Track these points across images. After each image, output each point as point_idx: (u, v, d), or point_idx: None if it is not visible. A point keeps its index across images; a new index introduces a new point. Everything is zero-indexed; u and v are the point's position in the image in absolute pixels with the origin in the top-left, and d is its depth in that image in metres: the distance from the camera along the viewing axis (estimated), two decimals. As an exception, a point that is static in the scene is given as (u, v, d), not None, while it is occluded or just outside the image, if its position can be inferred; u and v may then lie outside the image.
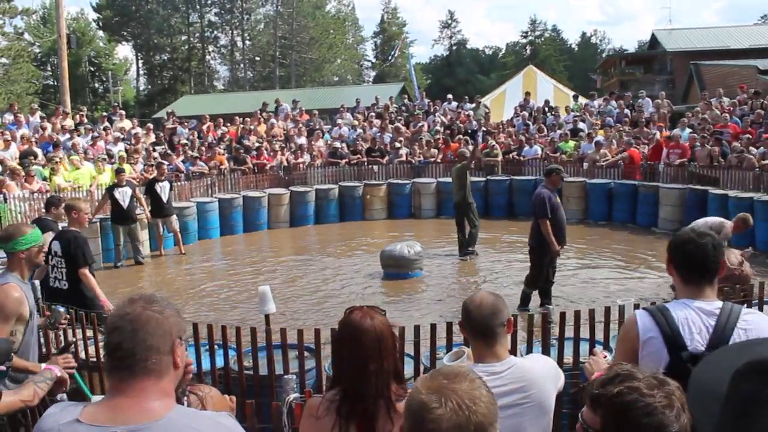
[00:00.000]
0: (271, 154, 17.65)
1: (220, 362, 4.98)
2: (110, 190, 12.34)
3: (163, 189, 13.01)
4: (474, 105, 21.74)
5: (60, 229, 7.17)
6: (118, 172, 12.75)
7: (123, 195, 12.27)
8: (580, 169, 16.50)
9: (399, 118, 20.94)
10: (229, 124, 20.25)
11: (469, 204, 12.01)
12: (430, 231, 14.89)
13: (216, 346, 4.98)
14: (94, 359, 4.98)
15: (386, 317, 2.46)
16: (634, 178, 15.55)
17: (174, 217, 13.28)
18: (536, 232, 8.35)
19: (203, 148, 17.57)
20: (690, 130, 16.60)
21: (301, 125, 20.49)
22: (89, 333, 5.21)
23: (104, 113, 22.54)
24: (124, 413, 1.59)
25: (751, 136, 15.17)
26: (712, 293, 2.52)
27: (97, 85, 60.58)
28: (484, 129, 19.41)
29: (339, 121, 20.92)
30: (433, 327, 4.68)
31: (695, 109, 19.27)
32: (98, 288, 6.41)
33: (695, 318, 2.42)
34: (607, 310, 4.75)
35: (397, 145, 18.20)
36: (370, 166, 17.54)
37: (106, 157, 15.49)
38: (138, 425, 1.57)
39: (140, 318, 1.65)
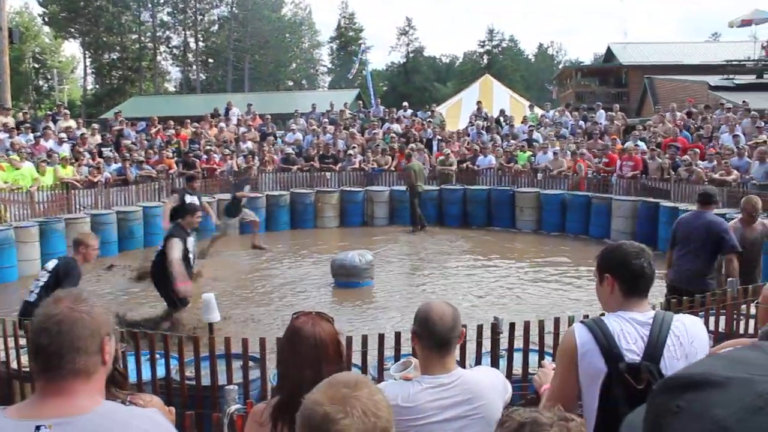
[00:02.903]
0: (222, 158, 17.48)
1: (161, 372, 4.89)
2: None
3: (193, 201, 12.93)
4: (429, 113, 21.95)
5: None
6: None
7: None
8: (534, 180, 16.79)
9: (354, 124, 20.99)
10: (179, 127, 20.02)
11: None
12: (382, 239, 14.88)
13: (158, 356, 4.88)
14: (27, 369, 4.83)
15: (333, 324, 2.44)
16: (580, 189, 15.90)
17: None
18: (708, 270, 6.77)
19: (151, 151, 17.29)
20: (641, 143, 17.01)
21: (253, 130, 20.38)
22: (22, 342, 5.06)
23: (48, 112, 22.00)
24: (50, 408, 1.58)
25: (699, 150, 15.63)
26: (647, 304, 2.59)
27: (41, 82, 59.16)
28: (439, 137, 19.58)
29: (293, 126, 20.85)
30: (381, 337, 4.68)
31: (648, 122, 19.76)
32: None
33: (630, 329, 2.47)
34: (557, 321, 4.81)
35: (351, 152, 18.21)
36: (322, 173, 17.49)
37: (47, 157, 15.07)
38: (65, 418, 1.56)
39: (67, 319, 1.62)
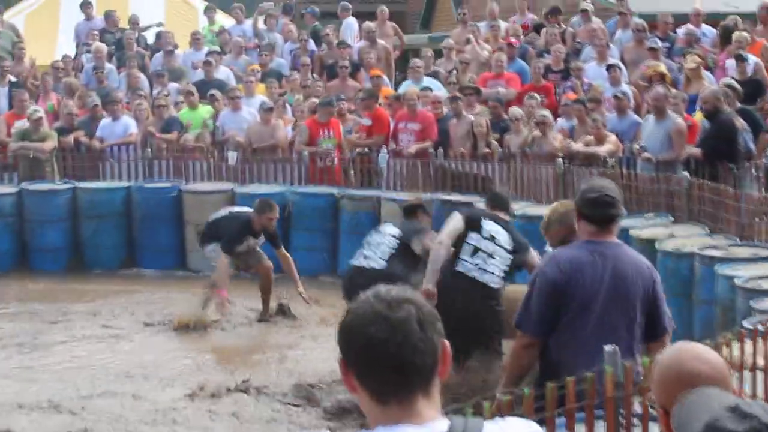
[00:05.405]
0: None
1: None
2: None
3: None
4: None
5: None
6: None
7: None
8: (223, 165, 17.30)
9: None
10: None
11: None
12: None
13: None
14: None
15: None
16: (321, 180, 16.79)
17: None
18: None
19: None
20: (434, 83, 18.07)
21: None
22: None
23: None
24: None
25: (545, 95, 16.47)
26: (429, 407, 2.39)
27: None
28: (14, 79, 19.51)
29: None
30: None
31: (446, 42, 20.78)
32: None
33: None
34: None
35: None
36: None
37: None
38: None
39: None
